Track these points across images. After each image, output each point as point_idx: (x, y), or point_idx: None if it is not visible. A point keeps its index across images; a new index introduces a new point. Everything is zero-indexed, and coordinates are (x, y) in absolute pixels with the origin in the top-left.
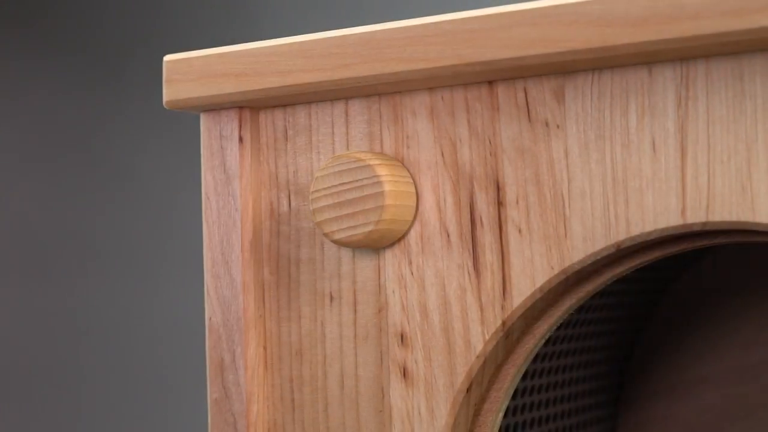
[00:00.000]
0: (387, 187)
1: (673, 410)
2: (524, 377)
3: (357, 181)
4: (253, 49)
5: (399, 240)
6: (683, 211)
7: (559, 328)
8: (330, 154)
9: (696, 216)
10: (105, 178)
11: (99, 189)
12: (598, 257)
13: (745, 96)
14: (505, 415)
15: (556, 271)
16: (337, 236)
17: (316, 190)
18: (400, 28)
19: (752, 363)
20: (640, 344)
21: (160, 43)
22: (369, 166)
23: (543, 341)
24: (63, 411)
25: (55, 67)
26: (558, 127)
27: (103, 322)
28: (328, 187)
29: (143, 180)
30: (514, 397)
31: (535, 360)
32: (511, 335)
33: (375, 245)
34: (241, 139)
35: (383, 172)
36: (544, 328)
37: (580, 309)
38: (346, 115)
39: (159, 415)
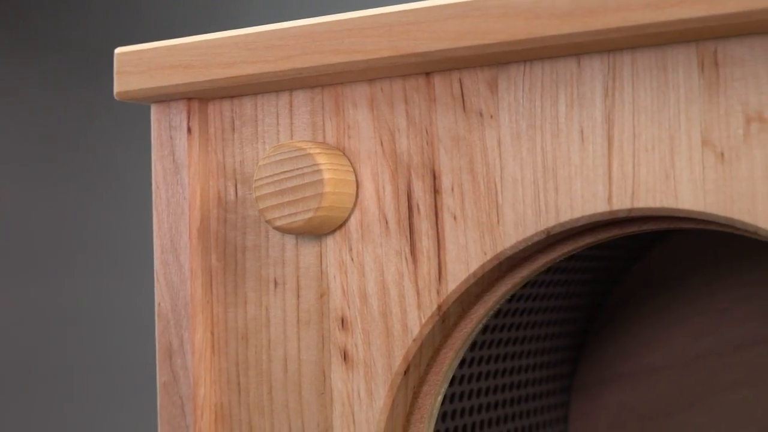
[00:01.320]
0: (326, 175)
1: (624, 398)
2: (471, 364)
3: (297, 169)
4: (200, 41)
5: (340, 227)
6: (610, 198)
7: (499, 315)
8: (274, 144)
9: (622, 203)
10: (86, 175)
11: (78, 184)
12: (530, 243)
13: (668, 86)
14: (451, 401)
15: (488, 257)
16: (278, 223)
17: (259, 179)
18: (340, 20)
19: (701, 352)
20: (591, 333)
21: (143, 41)
22: (309, 155)
23: (481, 326)
24: (15, 396)
25: (37, 67)
26: (491, 117)
27: (77, 313)
28: (270, 176)
29: (123, 176)
30: (461, 382)
31: (481, 346)
32: (447, 319)
33: (316, 232)
34: (189, 130)
35: (323, 160)
36: (480, 313)
37: (525, 297)
38: (290, 106)
39: (114, 399)
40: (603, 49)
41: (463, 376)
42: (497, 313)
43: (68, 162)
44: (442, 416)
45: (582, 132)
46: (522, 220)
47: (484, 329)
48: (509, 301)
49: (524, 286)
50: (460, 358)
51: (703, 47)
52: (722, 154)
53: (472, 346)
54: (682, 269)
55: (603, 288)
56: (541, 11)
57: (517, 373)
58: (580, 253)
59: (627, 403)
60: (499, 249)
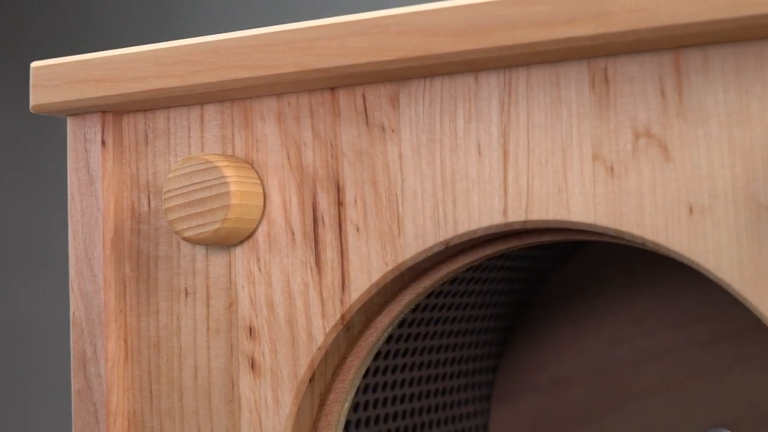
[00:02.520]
0: (233, 188)
1: (541, 406)
2: (384, 372)
3: (205, 182)
4: (112, 56)
5: (248, 238)
6: (505, 211)
7: (412, 324)
8: (186, 156)
9: (517, 215)
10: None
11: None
12: (429, 254)
13: (561, 102)
14: (374, 407)
15: (390, 268)
16: (186, 234)
17: (169, 191)
18: (245, 36)
19: (616, 360)
20: (511, 342)
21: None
22: (216, 167)
23: (386, 335)
24: None
25: None
26: (393, 131)
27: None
28: (179, 188)
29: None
30: (374, 390)
31: (395, 355)
32: (352, 328)
33: (224, 242)
34: (103, 142)
35: (230, 173)
36: (385, 322)
37: (432, 307)
38: (201, 119)
39: (31, 405)
40: (499, 65)
41: (377, 384)
42: (404, 322)
43: None
44: (365, 422)
45: (479, 146)
46: (422, 232)
47: (398, 338)
48: (415, 310)
49: (436, 295)
50: (366, 367)
51: (594, 64)
52: (612, 168)
53: (385, 355)
54: (598, 279)
55: (522, 297)
56: (438, 29)
57: (434, 381)
58: (495, 263)
59: (544, 411)
60: (400, 260)
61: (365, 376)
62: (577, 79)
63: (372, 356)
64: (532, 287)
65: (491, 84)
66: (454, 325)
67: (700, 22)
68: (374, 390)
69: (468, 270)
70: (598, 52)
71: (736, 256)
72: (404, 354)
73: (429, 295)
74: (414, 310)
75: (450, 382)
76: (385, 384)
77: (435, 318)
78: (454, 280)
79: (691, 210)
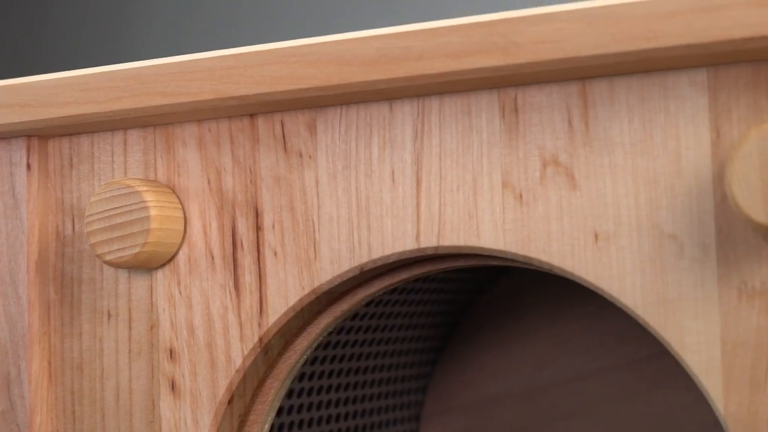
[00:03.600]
0: (153, 212)
1: (470, 426)
2: (309, 393)
3: (126, 206)
4: (36, 81)
5: (169, 261)
6: (418, 236)
7: (336, 347)
8: (109, 181)
9: (429, 241)
10: None
11: None
12: (345, 278)
13: (472, 130)
14: (299, 427)
15: (306, 291)
16: (108, 257)
17: (91, 215)
18: (166, 64)
19: (542, 382)
20: (440, 362)
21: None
22: (137, 192)
23: (305, 358)
24: None
25: None
26: (310, 157)
27: None
28: (101, 212)
29: None
30: (299, 410)
31: (320, 376)
32: (270, 351)
33: (144, 266)
34: (29, 166)
35: (150, 198)
36: (304, 345)
37: (349, 329)
38: (125, 144)
39: None
40: (413, 94)
41: (301, 405)
42: (327, 344)
43: None
44: None
45: (393, 173)
46: (337, 257)
47: (321, 359)
48: (338, 332)
49: (359, 317)
50: (287, 388)
51: (504, 94)
52: (521, 196)
53: (310, 376)
54: (526, 300)
55: (452, 318)
56: (351, 58)
57: (361, 401)
58: (418, 286)
59: (473, 431)
60: (316, 284)
61: (288, 397)
62: (487, 109)
63: (292, 378)
64: (461, 308)
65: (405, 112)
66: (379, 347)
67: (603, 54)
68: (299, 411)
69: (386, 293)
70: (507, 82)
71: (639, 283)
72: (328, 375)
73: (350, 318)
74: (335, 332)
75: (378, 403)
76: (310, 405)
77: (356, 340)
78: (372, 302)
79: (596, 237)
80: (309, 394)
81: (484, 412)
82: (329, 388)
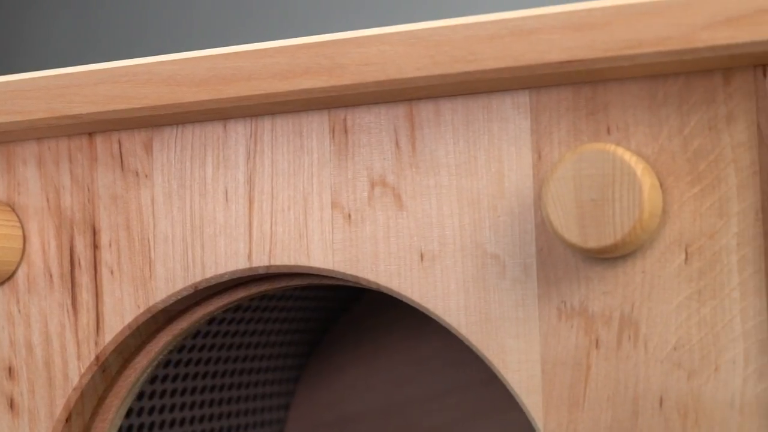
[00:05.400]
0: None
1: None
2: (162, 410)
3: None
4: None
5: (8, 279)
6: (250, 256)
7: (179, 365)
8: None
9: (261, 260)
10: None
11: None
12: (179, 297)
13: (304, 151)
14: None
15: (142, 310)
16: None
17: None
18: (3, 82)
19: (402, 399)
20: (302, 381)
21: None
22: None
23: (147, 376)
24: None
25: None
26: (146, 176)
27: None
28: None
29: None
30: (151, 428)
31: (172, 394)
32: (108, 369)
33: None
34: None
35: None
36: (143, 363)
37: (204, 348)
38: None
39: None
40: (246, 114)
41: (142, 424)
42: (169, 362)
43: None
44: None
45: (226, 192)
46: (172, 276)
47: (162, 378)
48: (181, 350)
49: (203, 335)
50: (128, 407)
51: (334, 114)
52: (349, 216)
53: (150, 395)
54: (386, 319)
55: (314, 336)
56: (182, 79)
57: (218, 419)
58: (276, 304)
59: None
60: (152, 302)
61: (128, 416)
62: (318, 129)
63: (133, 396)
64: (323, 326)
65: (239, 132)
66: (227, 365)
67: (426, 76)
68: (140, 430)
69: (230, 311)
70: (337, 103)
71: (463, 302)
72: (172, 394)
73: (192, 336)
74: (177, 351)
75: (237, 420)
76: (152, 424)
77: (201, 358)
78: (215, 320)
79: (422, 257)
80: (161, 411)
81: (345, 430)
82: (182, 406)
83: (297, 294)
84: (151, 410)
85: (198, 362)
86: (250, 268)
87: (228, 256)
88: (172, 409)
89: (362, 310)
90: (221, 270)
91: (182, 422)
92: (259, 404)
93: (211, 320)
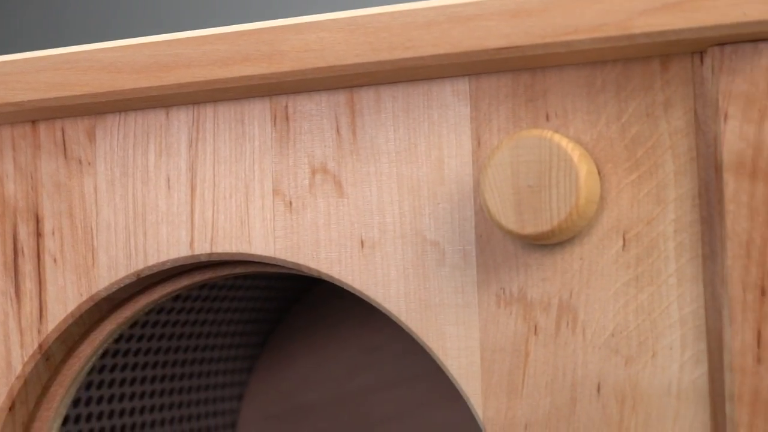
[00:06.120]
0: None
1: None
2: (111, 400)
3: None
4: None
5: None
6: (192, 243)
7: (127, 354)
8: None
9: (202, 248)
10: None
11: None
12: (122, 285)
13: (245, 138)
14: None
15: (84, 298)
16: None
17: None
18: None
19: (355, 388)
20: (256, 371)
21: None
22: None
23: (91, 365)
24: None
25: None
26: (89, 164)
27: None
28: None
29: None
30: (99, 418)
31: (111, 385)
32: (52, 358)
33: None
34: None
35: None
36: (87, 351)
37: (152, 337)
38: None
39: None
40: (188, 101)
41: (102, 412)
42: (117, 352)
43: None
44: None
45: (169, 180)
46: (114, 263)
47: (111, 367)
48: (129, 339)
49: (151, 325)
50: (73, 396)
51: (276, 102)
52: (290, 203)
53: (98, 385)
54: (338, 308)
55: (267, 326)
56: (122, 66)
57: (168, 409)
58: (225, 294)
59: None
60: (94, 290)
61: (76, 405)
62: (260, 116)
63: (78, 385)
64: (276, 315)
65: (181, 120)
66: (177, 355)
67: (364, 62)
68: (87, 420)
69: (175, 300)
70: (278, 90)
71: (403, 289)
72: (121, 383)
73: (140, 325)
74: (123, 340)
75: (189, 410)
76: (100, 413)
77: (149, 348)
78: (163, 309)
79: (362, 244)
80: (110, 401)
81: (299, 421)
82: (132, 395)
83: (248, 284)
84: (100, 399)
85: (147, 352)
86: (192, 256)
87: (170, 243)
88: (121, 398)
89: (314, 300)
90: (163, 258)
91: (132, 412)
92: (212, 394)
93: (160, 309)
